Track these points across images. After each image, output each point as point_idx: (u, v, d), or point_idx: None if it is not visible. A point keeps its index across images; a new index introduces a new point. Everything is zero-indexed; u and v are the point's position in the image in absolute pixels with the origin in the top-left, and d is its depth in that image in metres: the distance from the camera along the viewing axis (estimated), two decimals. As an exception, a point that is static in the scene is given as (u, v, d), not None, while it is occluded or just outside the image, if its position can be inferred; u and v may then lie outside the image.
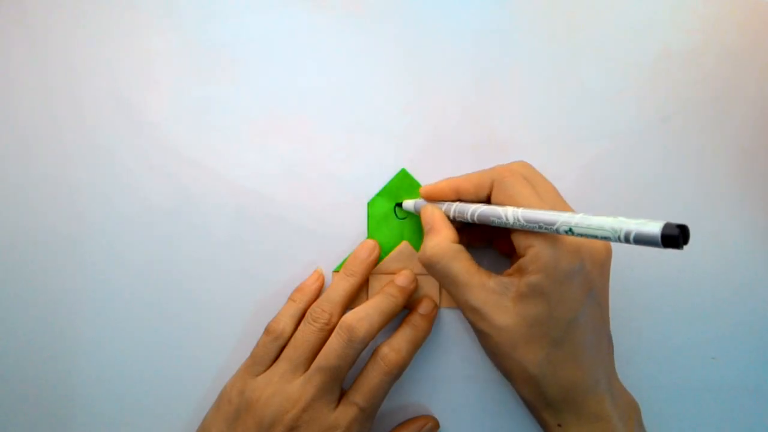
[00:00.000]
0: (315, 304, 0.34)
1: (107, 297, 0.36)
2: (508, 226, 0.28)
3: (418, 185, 0.36)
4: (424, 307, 0.35)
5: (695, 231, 0.37)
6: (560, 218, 0.25)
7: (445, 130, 0.37)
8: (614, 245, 0.30)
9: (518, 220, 0.28)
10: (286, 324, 0.33)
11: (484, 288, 0.29)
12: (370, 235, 0.36)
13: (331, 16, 0.37)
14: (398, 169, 0.37)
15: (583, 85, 0.37)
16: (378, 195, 0.36)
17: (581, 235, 0.24)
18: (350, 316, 0.32)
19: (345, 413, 0.31)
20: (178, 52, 0.37)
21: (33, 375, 0.36)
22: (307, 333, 0.33)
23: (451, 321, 0.36)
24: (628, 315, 0.36)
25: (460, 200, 0.32)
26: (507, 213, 0.28)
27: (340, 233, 0.36)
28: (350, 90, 0.37)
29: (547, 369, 0.29)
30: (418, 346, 0.34)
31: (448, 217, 0.32)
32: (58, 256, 0.36)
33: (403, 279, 0.34)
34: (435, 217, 0.32)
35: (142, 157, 0.37)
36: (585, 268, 0.28)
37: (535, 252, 0.28)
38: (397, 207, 0.36)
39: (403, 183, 0.36)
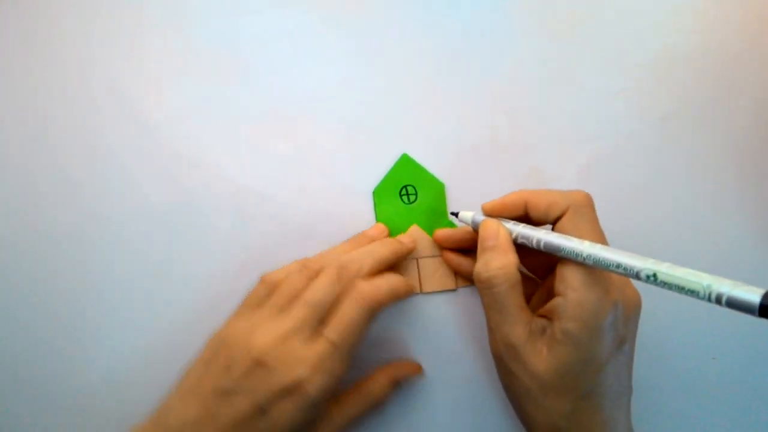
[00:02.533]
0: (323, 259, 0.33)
1: (107, 297, 0.36)
2: (577, 260, 0.27)
3: (421, 169, 0.36)
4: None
5: (695, 231, 0.37)
6: (645, 264, 0.24)
7: (445, 130, 0.37)
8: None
9: (598, 261, 0.25)
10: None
11: (528, 327, 0.28)
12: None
13: (331, 16, 0.37)
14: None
15: (583, 85, 0.37)
16: (382, 182, 0.36)
17: (665, 283, 0.23)
18: (343, 256, 0.32)
19: (315, 347, 0.29)
20: (178, 52, 0.37)
21: (34, 374, 0.36)
22: (296, 280, 0.31)
23: (451, 321, 0.36)
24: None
25: (527, 214, 0.30)
26: (583, 248, 0.26)
27: (340, 233, 0.36)
28: (350, 90, 0.37)
29: (572, 421, 0.28)
30: (397, 294, 0.32)
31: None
32: (57, 257, 0.36)
33: (401, 237, 0.36)
34: (501, 235, 0.30)
35: (142, 157, 0.37)
36: (619, 319, 0.27)
37: (577, 298, 0.27)
38: (451, 215, 0.35)
39: (406, 167, 0.36)
